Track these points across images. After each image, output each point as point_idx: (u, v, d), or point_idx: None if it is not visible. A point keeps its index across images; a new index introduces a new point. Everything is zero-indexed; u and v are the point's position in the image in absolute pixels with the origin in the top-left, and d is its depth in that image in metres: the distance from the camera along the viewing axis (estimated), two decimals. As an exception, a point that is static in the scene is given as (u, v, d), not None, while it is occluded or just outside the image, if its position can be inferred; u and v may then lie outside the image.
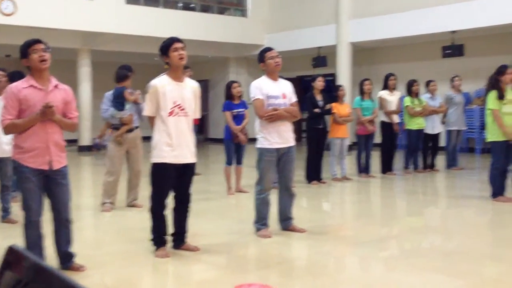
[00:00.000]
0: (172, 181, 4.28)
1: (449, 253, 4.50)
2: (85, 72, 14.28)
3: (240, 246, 4.73)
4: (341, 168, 8.41)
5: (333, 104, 8.12)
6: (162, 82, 4.24)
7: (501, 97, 6.38)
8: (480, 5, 10.97)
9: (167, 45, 4.22)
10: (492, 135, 6.48)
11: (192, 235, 4.58)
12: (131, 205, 6.30)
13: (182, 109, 4.23)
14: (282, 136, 4.89)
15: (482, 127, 6.61)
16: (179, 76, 4.29)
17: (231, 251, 4.54)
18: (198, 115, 4.46)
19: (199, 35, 13.81)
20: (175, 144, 4.20)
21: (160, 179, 4.26)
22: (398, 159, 9.44)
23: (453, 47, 12.15)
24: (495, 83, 6.47)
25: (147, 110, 4.29)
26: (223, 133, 7.33)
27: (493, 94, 6.42)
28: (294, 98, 5.01)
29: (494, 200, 6.51)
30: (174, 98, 4.21)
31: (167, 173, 4.23)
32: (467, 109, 10.48)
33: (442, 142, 9.76)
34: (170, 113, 4.19)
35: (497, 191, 6.53)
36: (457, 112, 9.54)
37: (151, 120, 4.29)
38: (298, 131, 12.38)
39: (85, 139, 14.38)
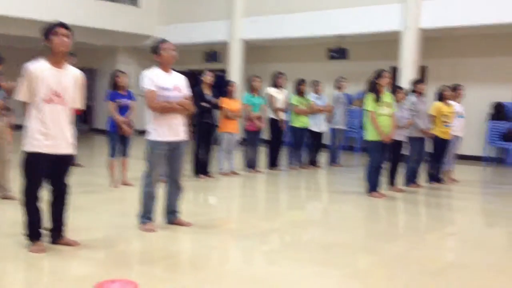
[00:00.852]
0: (45, 172, 4.05)
1: (328, 245, 4.71)
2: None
3: (122, 240, 4.61)
4: (229, 162, 8.50)
5: (223, 99, 8.18)
6: (39, 67, 3.99)
7: (378, 99, 6.81)
8: (364, 12, 11.61)
9: (50, 28, 4.00)
10: (369, 134, 6.90)
11: (72, 229, 4.37)
12: (4, 197, 5.88)
13: (60, 97, 4.02)
14: (173, 129, 4.83)
15: (362, 127, 7.04)
16: (59, 62, 4.06)
17: (112, 246, 4.40)
18: (80, 105, 4.26)
19: (87, 21, 13.22)
20: (49, 133, 3.98)
21: (31, 169, 4.01)
22: (284, 155, 9.73)
23: (339, 50, 12.77)
24: (373, 86, 6.89)
25: (20, 95, 4.00)
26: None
27: (371, 97, 6.84)
28: (187, 92, 4.97)
29: (370, 195, 6.95)
30: (52, 84, 3.98)
31: (39, 163, 3.99)
32: (349, 110, 11.04)
33: (325, 140, 10.22)
34: (46, 100, 3.96)
35: (372, 188, 6.98)
36: (342, 112, 10.06)
37: (25, 106, 4.03)
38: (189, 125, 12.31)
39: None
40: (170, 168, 4.98)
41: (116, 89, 6.97)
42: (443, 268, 4.18)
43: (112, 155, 7.04)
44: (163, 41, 4.91)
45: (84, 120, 16.59)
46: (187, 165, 7.61)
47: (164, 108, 4.75)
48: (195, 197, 6.92)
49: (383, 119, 6.83)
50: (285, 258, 4.29)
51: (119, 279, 3.46)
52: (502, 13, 10.04)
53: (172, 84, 4.85)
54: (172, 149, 4.87)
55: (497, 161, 11.41)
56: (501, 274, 4.06)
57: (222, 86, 8.52)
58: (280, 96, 9.14)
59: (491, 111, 11.48)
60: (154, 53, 4.86)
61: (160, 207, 5.08)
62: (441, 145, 8.03)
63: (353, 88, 11.86)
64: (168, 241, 4.71)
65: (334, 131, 10.12)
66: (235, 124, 8.42)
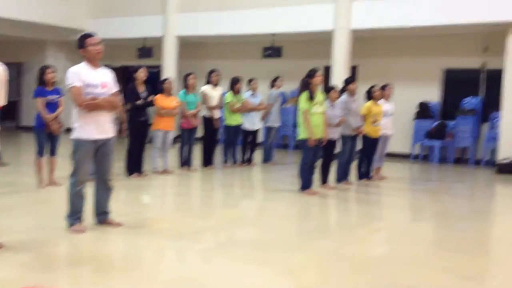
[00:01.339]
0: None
1: (262, 243, 4.75)
2: None
3: (50, 242, 4.44)
4: (163, 161, 8.38)
5: (157, 96, 8.05)
6: (-40, 61, 3.78)
7: (311, 98, 6.92)
8: (297, 11, 11.76)
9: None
10: (303, 133, 7.00)
11: (-6, 232, 4.17)
12: None
13: (-18, 93, 3.83)
14: (100, 127, 4.69)
15: (295, 125, 7.13)
16: (-18, 56, 3.87)
17: (39, 248, 4.23)
18: (2, 102, 4.06)
19: (13, 13, 12.60)
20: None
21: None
22: (219, 154, 9.71)
23: (273, 48, 12.88)
24: (306, 85, 7.00)
25: None
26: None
27: (304, 95, 6.95)
28: (115, 88, 4.84)
29: (303, 193, 7.06)
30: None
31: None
32: (283, 108, 11.18)
33: (260, 138, 10.28)
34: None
35: (306, 185, 7.09)
36: (277, 110, 10.17)
37: None
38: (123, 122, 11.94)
39: None
40: (99, 167, 4.85)
41: (44, 85, 6.71)
42: (373, 263, 4.31)
43: (40, 153, 6.77)
44: (89, 35, 4.76)
45: (10, 117, 15.86)
46: (119, 163, 7.44)
47: (91, 105, 4.60)
48: (127, 196, 6.77)
49: (316, 117, 6.95)
50: (219, 256, 4.28)
51: (39, 285, 3.31)
52: (427, 16, 10.49)
53: (99, 80, 4.71)
54: (100, 147, 4.74)
55: (423, 158, 11.90)
56: (428, 267, 4.23)
57: (156, 83, 8.38)
58: (214, 93, 9.10)
59: (417, 110, 11.96)
60: (79, 47, 4.71)
61: (90, 207, 4.94)
62: (371, 143, 8.28)
63: (288, 87, 12.01)
64: (98, 242, 4.58)
65: (268, 129, 10.21)
66: (169, 122, 8.30)
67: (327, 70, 11.21)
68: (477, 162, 11.23)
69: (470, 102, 11.44)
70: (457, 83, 11.87)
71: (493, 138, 10.80)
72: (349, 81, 8.25)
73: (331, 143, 7.64)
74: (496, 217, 6.89)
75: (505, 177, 9.70)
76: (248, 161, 9.83)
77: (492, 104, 11.14)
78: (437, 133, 11.52)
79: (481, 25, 10.39)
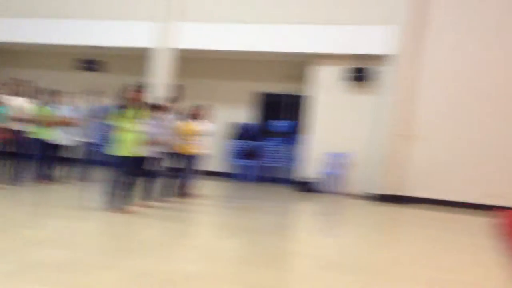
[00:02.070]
0: None
1: (64, 264, 4.44)
2: None
3: None
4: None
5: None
6: None
7: (127, 114, 6.80)
8: (117, 26, 11.59)
9: None
10: (116, 149, 6.83)
11: None
12: None
13: None
14: None
15: (110, 141, 6.93)
16: None
17: None
18: None
19: None
20: None
21: None
22: (25, 168, 8.95)
23: (91, 61, 12.46)
24: (122, 101, 6.87)
25: None
26: None
27: (119, 111, 6.81)
28: None
29: (112, 211, 6.82)
30: None
31: None
32: (100, 124, 10.81)
33: (75, 154, 9.80)
34: None
35: (117, 203, 6.90)
36: (93, 126, 9.78)
37: None
38: None
39: None
40: None
41: None
42: (183, 280, 4.27)
43: None
44: None
45: None
46: None
47: None
48: None
49: (130, 134, 6.82)
50: (9, 281, 3.89)
51: None
52: (242, 42, 11.15)
53: None
54: None
55: (237, 177, 12.40)
56: (233, 282, 4.36)
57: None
58: (21, 105, 8.43)
59: (233, 131, 12.49)
60: None
61: None
62: (188, 161, 8.40)
63: (106, 102, 11.68)
64: None
65: (84, 145, 9.76)
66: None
67: (146, 87, 11.13)
68: (286, 181, 12.04)
69: (281, 125, 12.32)
70: (272, 107, 12.69)
71: (299, 159, 11.70)
72: (170, 99, 8.34)
73: (147, 160, 7.55)
74: (296, 232, 7.44)
75: (308, 195, 10.56)
76: (56, 177, 9.26)
77: (301, 127, 12.11)
78: (251, 154, 12.15)
79: (287, 54, 11.31)
